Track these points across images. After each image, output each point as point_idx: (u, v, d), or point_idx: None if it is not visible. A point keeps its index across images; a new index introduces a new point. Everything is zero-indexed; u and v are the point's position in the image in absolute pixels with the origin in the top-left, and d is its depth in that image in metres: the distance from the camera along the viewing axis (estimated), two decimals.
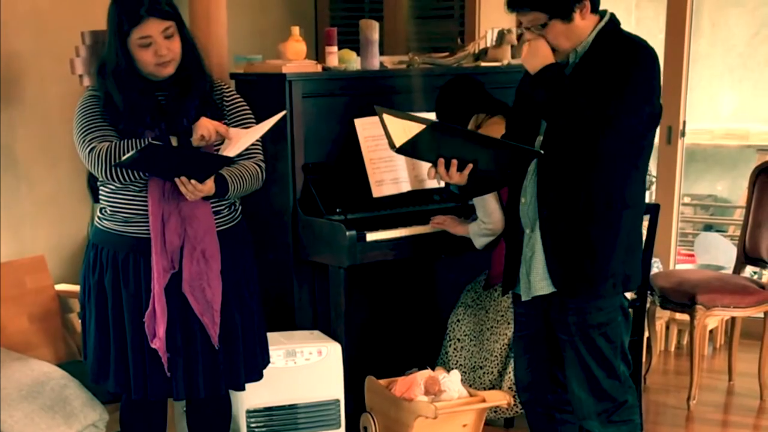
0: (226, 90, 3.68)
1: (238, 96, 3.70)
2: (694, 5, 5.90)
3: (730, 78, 8.74)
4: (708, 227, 8.18)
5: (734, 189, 8.60)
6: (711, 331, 5.99)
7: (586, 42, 3.37)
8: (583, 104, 3.26)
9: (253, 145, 3.60)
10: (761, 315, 5.18)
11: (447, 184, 3.62)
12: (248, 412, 4.13)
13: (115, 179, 3.40)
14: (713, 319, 5.64)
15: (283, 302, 4.69)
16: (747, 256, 5.37)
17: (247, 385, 3.83)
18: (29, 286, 4.18)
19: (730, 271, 5.59)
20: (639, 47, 3.34)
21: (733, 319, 5.41)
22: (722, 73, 8.72)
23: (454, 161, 3.38)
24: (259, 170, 3.62)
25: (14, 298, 4.11)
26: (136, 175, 3.39)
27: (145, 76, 3.46)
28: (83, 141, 3.43)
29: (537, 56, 3.36)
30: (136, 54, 3.40)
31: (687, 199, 8.25)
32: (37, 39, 4.39)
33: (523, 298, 3.58)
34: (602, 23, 3.38)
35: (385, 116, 3.38)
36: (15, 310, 4.09)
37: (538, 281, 3.50)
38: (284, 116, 4.20)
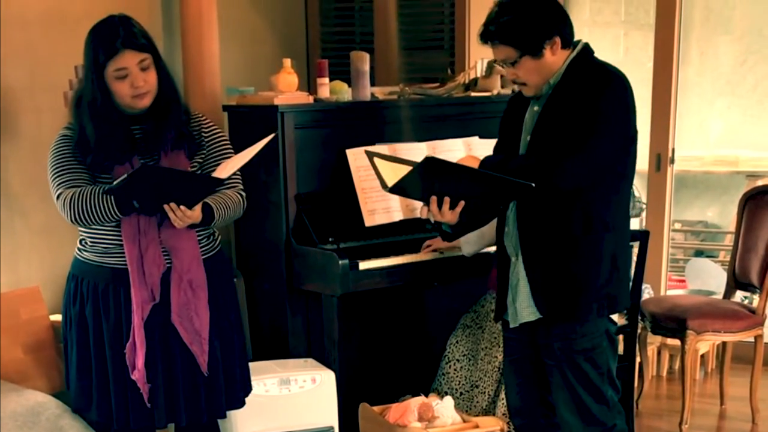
0: (204, 122, 3.71)
1: (216, 127, 3.74)
2: (681, 34, 5.96)
3: (718, 105, 8.79)
4: (698, 253, 8.20)
5: (724, 215, 8.62)
6: (702, 356, 6.01)
7: (559, 73, 3.40)
8: (532, 162, 3.33)
9: (234, 175, 3.64)
10: (752, 339, 5.20)
11: (438, 224, 3.65)
12: None
13: (82, 224, 3.46)
14: (704, 343, 5.66)
15: (276, 330, 4.71)
16: (737, 281, 5.39)
17: (243, 413, 3.85)
18: (24, 317, 4.19)
19: (720, 296, 5.61)
20: (608, 74, 3.38)
21: (724, 343, 5.43)
22: (711, 101, 8.77)
23: (447, 199, 3.38)
24: (240, 199, 3.67)
25: (9, 329, 4.12)
26: (102, 219, 3.42)
27: (122, 109, 3.50)
28: (52, 186, 3.49)
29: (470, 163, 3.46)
30: (113, 86, 3.44)
31: (677, 225, 8.27)
32: (31, 73, 4.43)
33: (511, 325, 3.60)
34: (574, 53, 3.42)
35: (376, 160, 3.41)
36: (10, 341, 4.11)
37: (523, 308, 3.52)
38: (275, 141, 4.28)
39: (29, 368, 4.11)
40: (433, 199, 3.40)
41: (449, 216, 3.43)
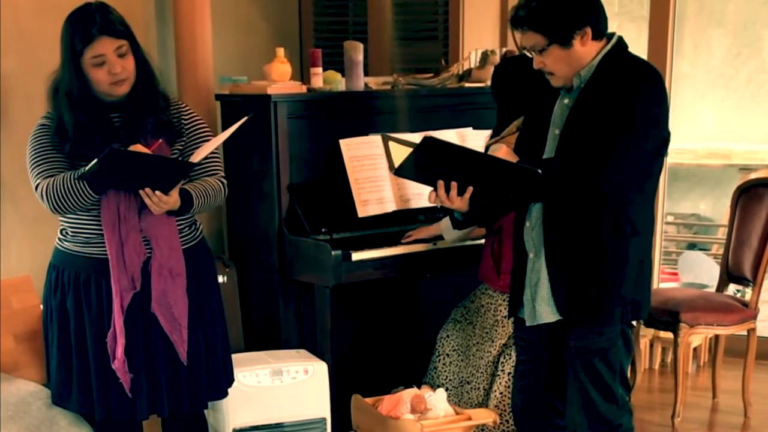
0: (184, 108, 3.70)
1: (196, 114, 3.72)
2: (675, 26, 5.94)
3: (712, 98, 8.80)
4: (691, 246, 8.22)
5: (717, 208, 8.65)
6: (695, 349, 6.00)
7: (591, 66, 3.31)
8: (572, 164, 3.25)
9: (214, 161, 3.64)
10: (744, 333, 5.20)
11: (451, 211, 3.59)
12: (235, 431, 4.14)
13: (61, 212, 3.44)
14: (697, 337, 5.66)
15: (269, 321, 4.70)
16: (730, 274, 5.39)
17: (234, 404, 3.84)
18: (15, 306, 4.17)
19: (713, 289, 5.61)
20: (643, 72, 3.28)
21: (716, 336, 5.43)
22: (704, 93, 8.78)
23: (454, 184, 3.31)
24: (221, 186, 3.65)
25: (1, 318, 4.10)
26: (78, 205, 3.41)
27: (99, 97, 3.48)
28: (31, 176, 3.48)
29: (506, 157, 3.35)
30: (90, 73, 3.42)
31: (670, 218, 8.29)
32: (22, 60, 4.40)
33: (528, 323, 3.53)
34: (608, 47, 3.33)
35: (391, 143, 3.37)
36: (1, 331, 4.09)
37: (543, 308, 3.44)
38: (267, 131, 4.29)
39: (21, 358, 4.09)
40: (440, 183, 3.33)
41: (458, 203, 3.36)
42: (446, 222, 4.27)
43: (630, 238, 3.33)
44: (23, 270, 4.37)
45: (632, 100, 3.21)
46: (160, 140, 3.51)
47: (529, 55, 3.39)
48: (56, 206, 3.41)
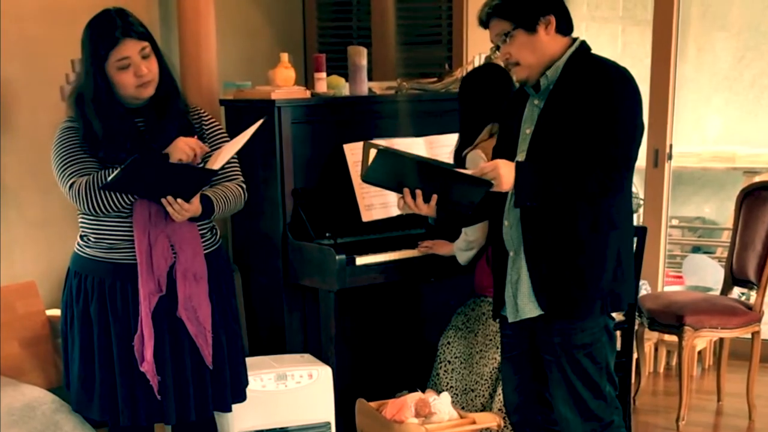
0: (204, 114, 3.71)
1: (215, 120, 3.74)
2: (679, 30, 5.95)
3: (716, 101, 8.79)
4: (696, 249, 8.21)
5: (722, 211, 8.63)
6: (699, 352, 6.01)
7: (557, 67, 3.37)
8: (574, 177, 3.28)
9: (232, 166, 3.64)
10: (749, 336, 5.20)
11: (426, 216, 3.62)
12: None
13: (98, 212, 3.43)
14: (701, 340, 5.67)
15: (273, 326, 4.70)
16: (734, 277, 5.39)
17: (239, 409, 3.84)
18: (20, 311, 4.18)
19: (717, 292, 5.61)
20: (614, 71, 3.35)
21: (721, 340, 5.43)
22: (708, 97, 8.77)
23: (418, 191, 3.36)
24: (241, 191, 3.68)
25: (5, 323, 4.11)
26: (119, 205, 3.41)
27: (124, 102, 3.48)
28: (62, 176, 3.46)
29: (504, 175, 3.27)
30: (116, 77, 3.42)
31: (675, 222, 8.28)
32: (27, 66, 4.41)
33: (510, 320, 3.57)
34: (573, 48, 3.40)
35: (371, 150, 3.39)
36: (6, 336, 4.10)
37: (525, 304, 3.49)
38: (272, 136, 4.30)
39: (25, 363, 4.10)
40: (406, 191, 3.38)
41: (425, 209, 3.39)
42: (458, 243, 4.27)
43: (608, 233, 3.40)
44: (27, 275, 4.39)
45: (616, 109, 3.27)
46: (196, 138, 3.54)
47: (496, 53, 3.44)
48: (94, 205, 3.40)
